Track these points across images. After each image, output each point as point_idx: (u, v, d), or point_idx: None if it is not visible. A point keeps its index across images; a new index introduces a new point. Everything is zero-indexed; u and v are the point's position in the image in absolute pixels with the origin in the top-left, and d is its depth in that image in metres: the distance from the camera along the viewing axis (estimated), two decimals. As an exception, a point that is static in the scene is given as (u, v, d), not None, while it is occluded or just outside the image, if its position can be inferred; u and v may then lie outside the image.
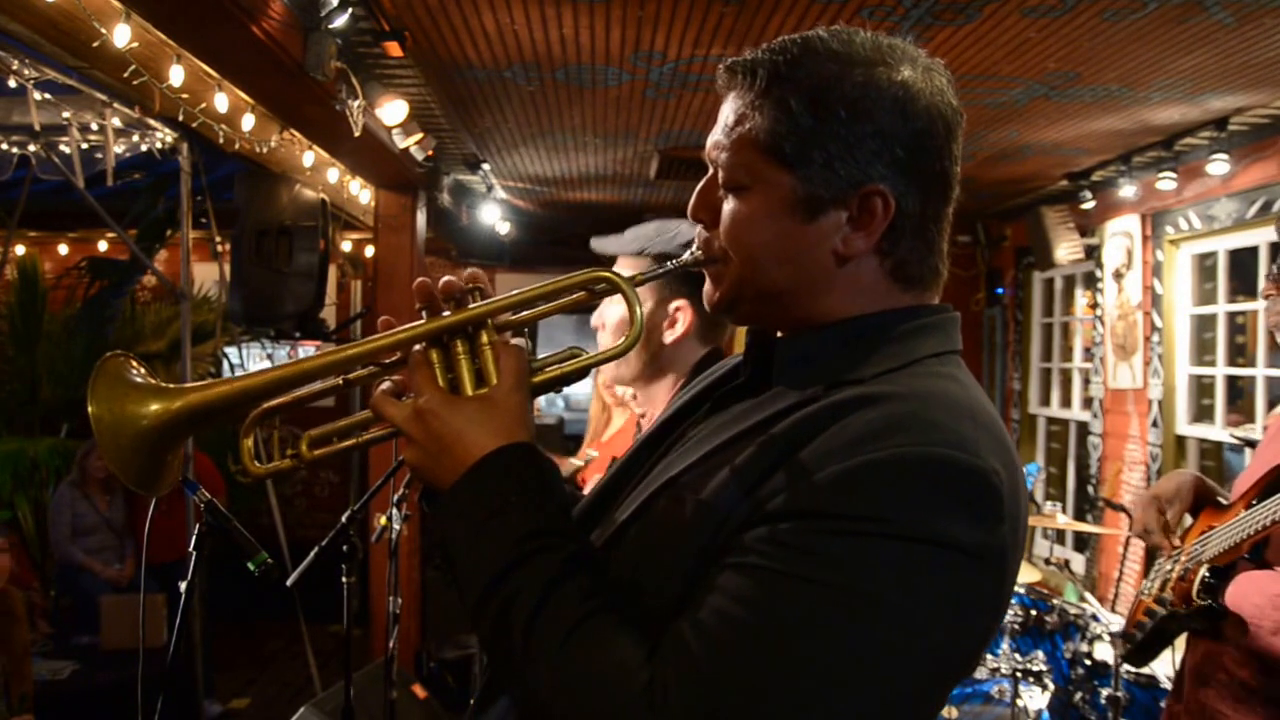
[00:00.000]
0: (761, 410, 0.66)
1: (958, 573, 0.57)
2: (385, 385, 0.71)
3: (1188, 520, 1.47)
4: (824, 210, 0.65)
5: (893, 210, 0.65)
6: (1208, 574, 1.29)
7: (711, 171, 0.70)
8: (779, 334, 0.71)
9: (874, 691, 0.56)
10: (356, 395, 3.76)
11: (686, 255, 0.72)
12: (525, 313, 0.73)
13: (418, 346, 0.69)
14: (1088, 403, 4.17)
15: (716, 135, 0.69)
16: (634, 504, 0.69)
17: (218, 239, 3.73)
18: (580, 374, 0.74)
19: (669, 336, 1.26)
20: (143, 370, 0.73)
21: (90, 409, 0.69)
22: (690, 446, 0.69)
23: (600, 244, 1.34)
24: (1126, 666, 2.11)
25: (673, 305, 1.27)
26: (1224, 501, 1.43)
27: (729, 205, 0.68)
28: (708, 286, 0.71)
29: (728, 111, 0.68)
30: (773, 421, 0.63)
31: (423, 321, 0.69)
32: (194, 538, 1.53)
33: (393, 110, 2.57)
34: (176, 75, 2.27)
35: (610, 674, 0.57)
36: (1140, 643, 1.39)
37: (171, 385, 0.72)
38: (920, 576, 0.56)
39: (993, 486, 0.58)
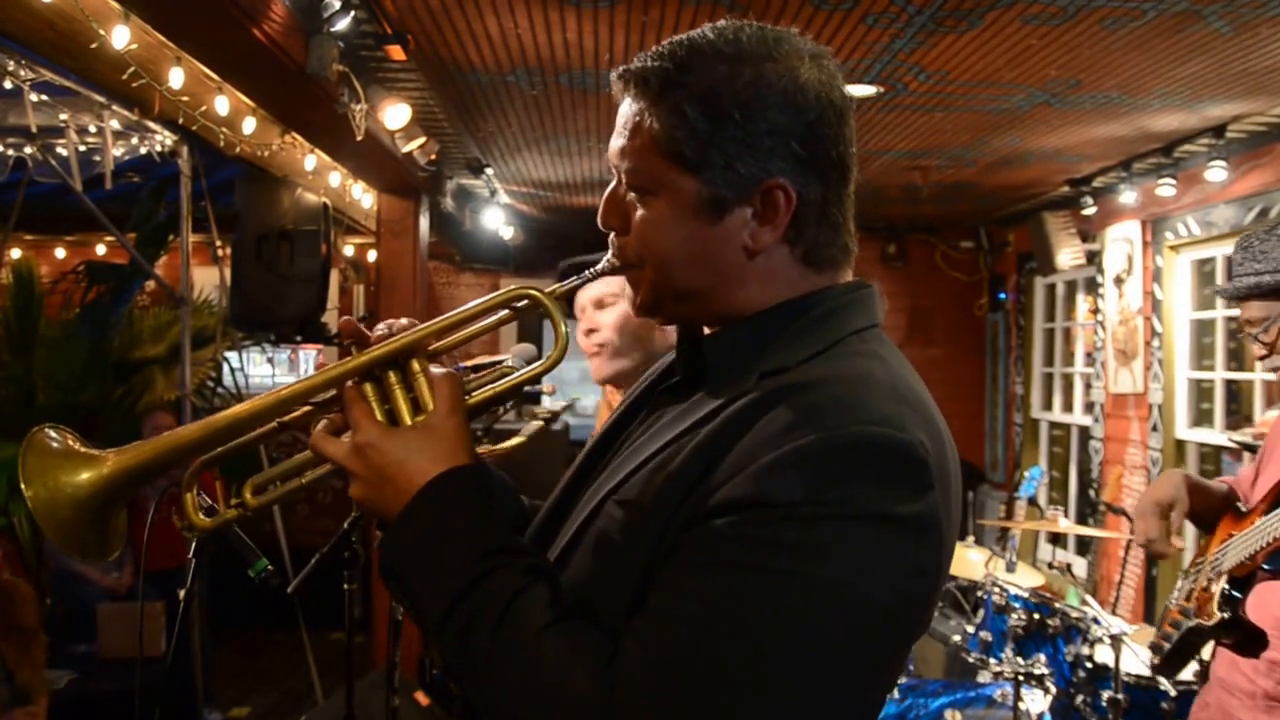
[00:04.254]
0: (695, 411, 0.67)
1: (894, 544, 0.59)
2: (322, 423, 0.72)
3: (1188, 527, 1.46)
4: (729, 209, 0.66)
5: (795, 201, 0.66)
6: (1227, 586, 1.29)
7: (617, 178, 0.71)
8: (706, 330, 0.73)
9: (830, 669, 0.58)
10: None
11: (603, 263, 0.72)
12: (453, 337, 0.73)
13: (350, 382, 0.70)
14: (1089, 407, 4.18)
15: (617, 143, 0.70)
16: (582, 514, 0.70)
17: (218, 243, 3.72)
18: (515, 390, 0.74)
19: (663, 328, 1.28)
20: (69, 438, 0.72)
21: (24, 490, 0.68)
22: (631, 452, 0.70)
23: (579, 259, 1.38)
24: (1126, 669, 2.11)
25: None
26: (1242, 508, 1.42)
27: (637, 212, 0.69)
28: (628, 290, 0.73)
29: (626, 118, 0.69)
30: (705, 421, 0.65)
31: (353, 357, 0.70)
32: (193, 544, 1.52)
33: (395, 114, 2.56)
34: (176, 77, 2.26)
35: (571, 685, 0.59)
36: (1168, 654, 1.38)
37: (100, 451, 0.71)
38: (858, 552, 0.58)
39: (918, 457, 0.60)
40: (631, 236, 0.70)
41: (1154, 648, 1.44)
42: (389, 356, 0.70)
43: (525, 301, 0.72)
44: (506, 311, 0.73)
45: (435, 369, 0.71)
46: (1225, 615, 1.27)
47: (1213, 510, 1.46)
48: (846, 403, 0.61)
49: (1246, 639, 1.28)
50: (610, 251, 0.72)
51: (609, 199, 0.71)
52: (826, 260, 0.69)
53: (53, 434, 0.72)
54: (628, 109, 0.69)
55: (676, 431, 0.66)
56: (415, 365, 0.70)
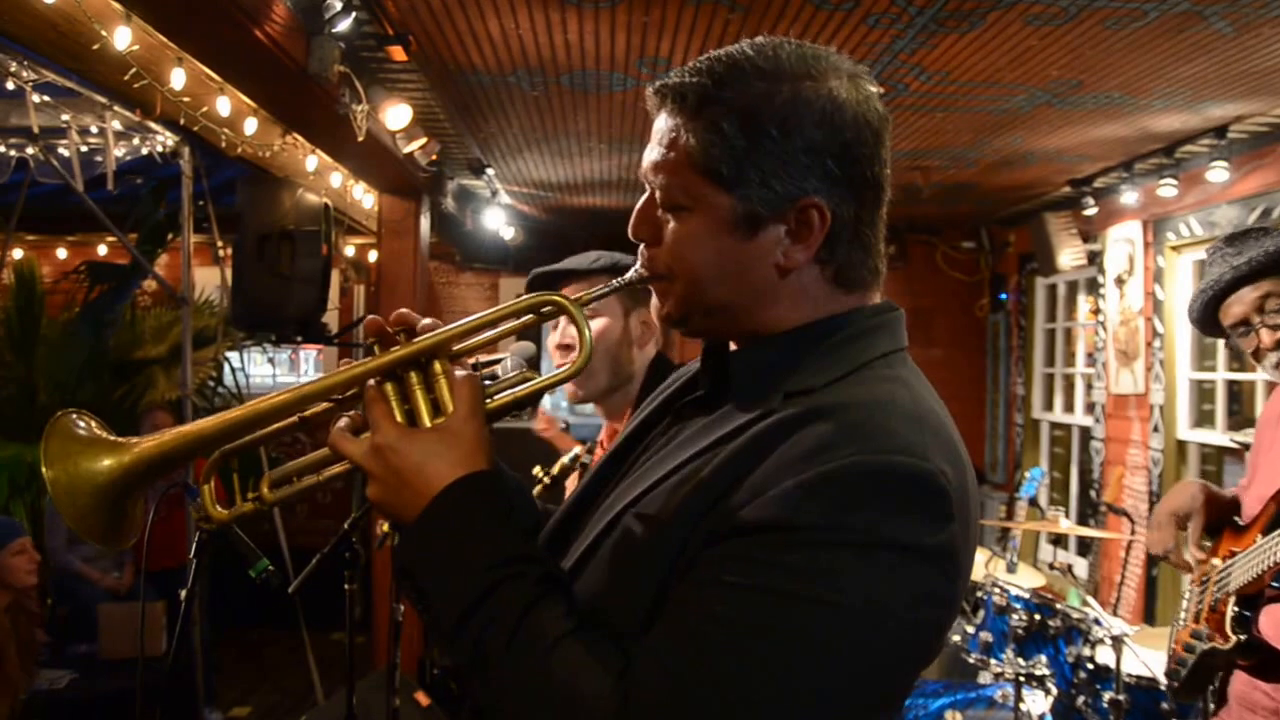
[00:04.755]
0: (718, 427, 0.67)
1: (912, 572, 0.59)
2: (342, 421, 0.72)
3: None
4: (763, 226, 0.67)
5: (829, 221, 0.66)
6: (1237, 606, 1.28)
7: (649, 191, 0.71)
8: (732, 345, 0.73)
9: (840, 692, 0.59)
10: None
11: (631, 273, 0.73)
12: (476, 339, 0.73)
13: (372, 381, 0.70)
14: (1090, 408, 4.17)
15: (652, 157, 0.70)
16: (600, 524, 0.70)
17: (219, 243, 3.73)
18: (535, 396, 0.75)
19: (641, 347, 1.27)
20: (93, 424, 0.73)
21: (45, 472, 0.68)
22: (652, 464, 0.71)
23: (548, 269, 1.34)
24: (1127, 670, 2.11)
25: (640, 318, 1.26)
26: (1240, 522, 1.41)
27: (670, 226, 0.69)
28: (655, 302, 0.73)
29: (661, 133, 0.69)
30: (729, 439, 0.65)
31: (376, 356, 0.70)
32: (194, 545, 1.52)
33: (396, 115, 2.56)
34: (178, 78, 2.27)
35: (584, 696, 0.59)
36: (1185, 679, 1.37)
37: (123, 439, 0.72)
38: (876, 579, 0.58)
39: (940, 488, 0.61)
40: (663, 249, 0.70)
41: (1170, 674, 1.42)
42: (412, 356, 0.70)
43: (550, 307, 0.73)
44: (531, 316, 0.74)
45: (457, 371, 0.71)
46: (1242, 638, 1.26)
47: (1225, 520, 1.45)
48: (870, 430, 0.61)
49: (1266, 660, 1.27)
50: (639, 262, 0.72)
51: (641, 211, 0.71)
52: (856, 281, 0.69)
53: (78, 419, 0.72)
54: (663, 124, 0.69)
55: (699, 447, 0.67)
56: (437, 366, 0.70)
